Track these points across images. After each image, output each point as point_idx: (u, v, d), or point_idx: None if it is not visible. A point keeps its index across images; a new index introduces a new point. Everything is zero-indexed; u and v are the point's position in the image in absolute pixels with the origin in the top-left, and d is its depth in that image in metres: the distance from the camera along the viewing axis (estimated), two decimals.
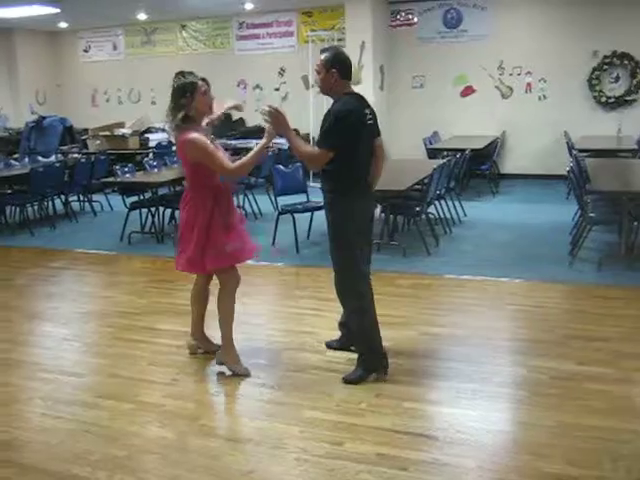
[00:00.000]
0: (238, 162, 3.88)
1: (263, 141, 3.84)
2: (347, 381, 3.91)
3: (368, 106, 3.95)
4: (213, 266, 4.02)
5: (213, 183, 3.94)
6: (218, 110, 4.33)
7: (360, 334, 4.03)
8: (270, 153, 8.92)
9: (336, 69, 3.85)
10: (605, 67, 10.77)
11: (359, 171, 3.92)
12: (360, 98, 3.96)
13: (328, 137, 3.80)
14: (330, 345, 4.37)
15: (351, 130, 3.79)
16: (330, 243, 4.01)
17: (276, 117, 3.83)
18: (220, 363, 4.18)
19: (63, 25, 13.92)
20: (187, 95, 3.85)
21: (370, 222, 4.10)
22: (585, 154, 8.36)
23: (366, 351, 4.00)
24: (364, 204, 3.98)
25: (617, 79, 10.81)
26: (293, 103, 12.35)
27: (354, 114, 3.82)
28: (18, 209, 9.03)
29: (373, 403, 3.66)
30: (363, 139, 3.88)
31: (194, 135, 3.82)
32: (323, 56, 3.90)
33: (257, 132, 10.63)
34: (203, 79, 3.97)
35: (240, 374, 4.05)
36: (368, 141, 3.94)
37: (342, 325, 4.34)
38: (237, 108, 4.58)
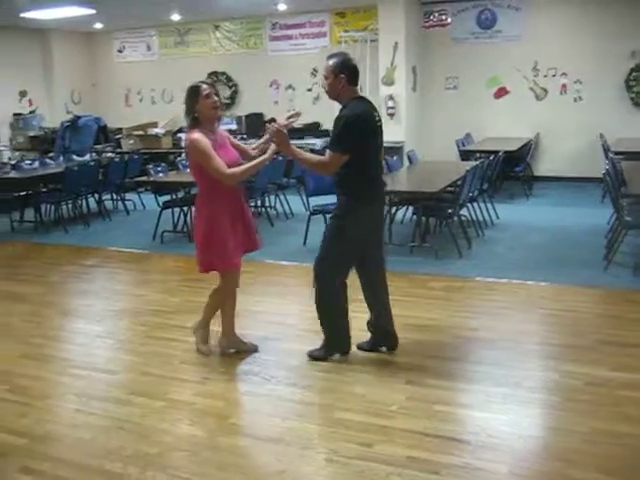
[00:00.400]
0: (233, 169, 3.96)
1: (265, 156, 4.01)
2: (311, 356, 4.24)
3: (375, 110, 4.09)
4: (217, 266, 4.21)
5: (218, 184, 4.00)
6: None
7: (322, 319, 4.23)
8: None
9: (344, 75, 3.92)
10: None
11: (370, 173, 4.04)
12: (368, 102, 4.08)
13: (340, 141, 3.89)
14: (361, 347, 4.37)
15: (362, 134, 3.91)
16: (325, 236, 4.16)
17: (279, 135, 3.90)
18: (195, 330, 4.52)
19: (98, 26, 14.09)
20: (191, 98, 4.00)
21: (381, 224, 4.31)
22: (621, 157, 8.22)
23: (328, 334, 4.25)
24: (375, 208, 4.15)
25: None
26: (325, 104, 12.33)
27: (364, 118, 3.93)
28: (53, 207, 9.18)
29: (404, 405, 3.64)
30: (373, 142, 4.01)
31: (195, 136, 3.96)
32: (331, 62, 3.95)
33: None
34: (210, 84, 4.09)
35: (200, 351, 4.41)
36: (377, 143, 4.08)
37: (370, 325, 4.37)
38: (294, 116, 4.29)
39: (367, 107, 4.00)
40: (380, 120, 4.10)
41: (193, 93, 4.00)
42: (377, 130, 4.04)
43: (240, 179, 4.06)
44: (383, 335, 4.34)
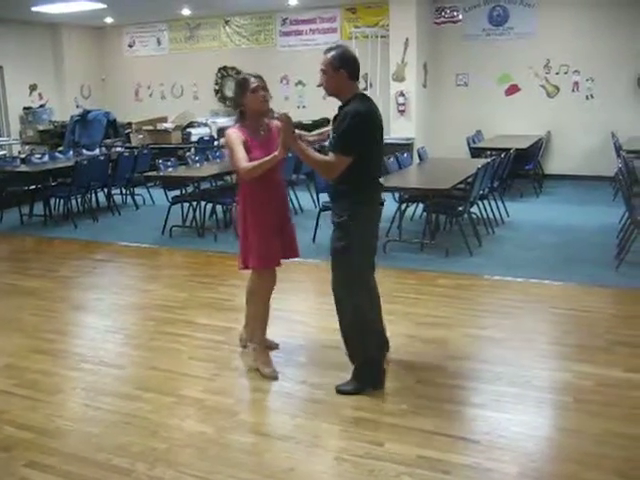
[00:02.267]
0: (247, 164, 3.80)
1: (275, 153, 3.69)
2: (340, 391, 3.77)
3: (377, 108, 3.81)
4: (251, 264, 4.03)
5: (255, 180, 3.86)
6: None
7: (356, 346, 3.83)
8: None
9: (345, 69, 3.65)
10: None
11: (374, 173, 3.78)
12: (370, 100, 3.79)
13: (346, 142, 3.59)
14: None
15: (369, 132, 3.65)
16: (337, 251, 3.74)
17: (286, 126, 3.58)
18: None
19: (109, 20, 14.11)
20: (238, 91, 3.94)
21: (378, 227, 3.98)
22: (633, 155, 8.17)
23: (361, 364, 3.82)
24: (376, 209, 3.86)
25: None
26: (335, 100, 12.31)
27: (370, 115, 3.67)
28: (62, 201, 9.18)
29: (414, 404, 3.62)
30: (378, 140, 3.75)
31: (229, 130, 3.96)
32: (329, 55, 3.68)
33: (301, 129, 10.53)
34: (258, 76, 3.93)
35: (264, 375, 4.00)
36: (381, 142, 3.80)
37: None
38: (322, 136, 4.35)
39: (371, 105, 3.72)
40: (381, 119, 3.80)
41: (240, 86, 3.91)
42: (380, 128, 3.78)
43: (253, 174, 3.81)
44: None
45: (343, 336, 3.85)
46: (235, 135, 3.89)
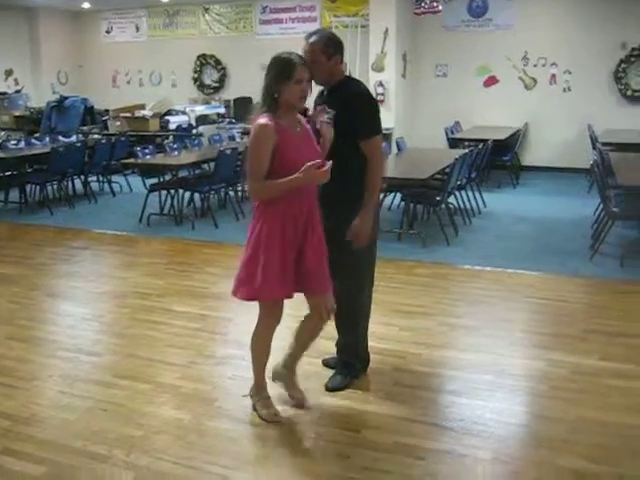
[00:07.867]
0: (261, 183, 3.08)
1: (299, 175, 3.00)
2: (331, 390, 3.66)
3: None
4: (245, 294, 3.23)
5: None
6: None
7: (352, 345, 3.77)
8: None
9: (339, 54, 3.44)
10: (633, 59, 10.60)
11: None
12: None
13: (376, 122, 3.44)
14: (327, 363, 3.95)
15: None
16: (343, 251, 3.45)
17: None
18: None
19: (86, 5, 13.93)
20: (279, 76, 3.10)
21: None
22: (609, 147, 8.26)
23: (354, 359, 3.78)
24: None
25: None
26: (314, 89, 12.29)
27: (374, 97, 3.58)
28: (38, 188, 9.08)
29: (391, 392, 3.65)
30: None
31: (261, 121, 3.07)
32: (319, 42, 3.36)
33: None
34: (304, 63, 3.14)
35: (262, 418, 3.37)
36: None
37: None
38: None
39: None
40: None
41: (283, 69, 3.07)
42: None
43: (263, 196, 3.13)
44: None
45: (338, 322, 3.71)
46: (264, 134, 3.05)
